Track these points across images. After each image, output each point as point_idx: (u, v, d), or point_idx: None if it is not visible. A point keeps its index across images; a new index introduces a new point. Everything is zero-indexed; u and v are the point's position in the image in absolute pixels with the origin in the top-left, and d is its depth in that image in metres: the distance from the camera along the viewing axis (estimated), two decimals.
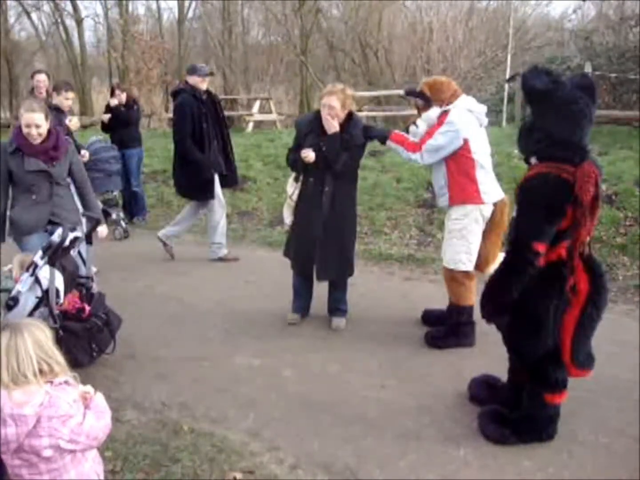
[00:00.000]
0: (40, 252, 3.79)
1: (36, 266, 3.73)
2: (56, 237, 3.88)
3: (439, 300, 4.67)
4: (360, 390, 3.80)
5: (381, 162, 9.12)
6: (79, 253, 4.26)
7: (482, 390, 3.57)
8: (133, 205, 8.02)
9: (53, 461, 2.04)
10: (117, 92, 7.85)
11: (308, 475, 3.01)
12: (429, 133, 4.11)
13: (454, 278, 4.30)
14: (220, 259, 6.36)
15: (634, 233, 6.23)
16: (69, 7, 20.92)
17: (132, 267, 6.17)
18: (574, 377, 3.13)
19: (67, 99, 6.07)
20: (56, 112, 5.97)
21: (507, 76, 12.53)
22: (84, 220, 4.53)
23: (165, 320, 4.92)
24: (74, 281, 4.11)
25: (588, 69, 11.05)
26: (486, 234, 4.25)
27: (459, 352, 4.25)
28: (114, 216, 7.15)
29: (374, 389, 3.81)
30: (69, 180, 4.45)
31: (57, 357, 2.09)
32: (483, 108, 4.25)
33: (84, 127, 11.72)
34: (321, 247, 4.46)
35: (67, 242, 3.91)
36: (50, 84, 6.75)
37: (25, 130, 4.11)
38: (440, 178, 4.23)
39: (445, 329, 4.38)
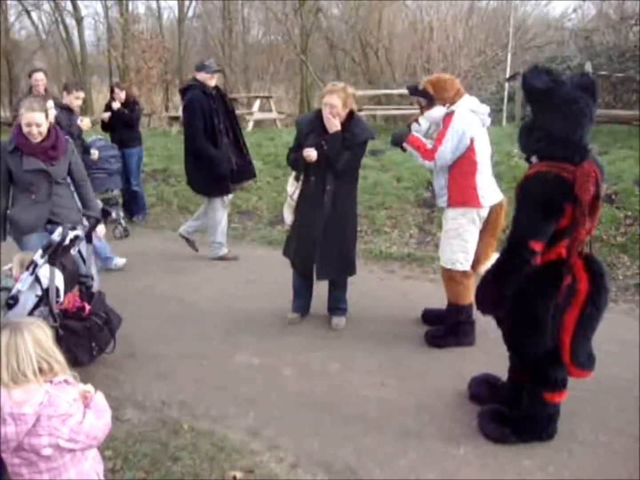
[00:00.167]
0: (40, 251, 3.79)
1: (36, 265, 3.73)
2: (56, 236, 3.88)
3: (439, 299, 4.66)
4: (360, 389, 3.80)
5: (381, 161, 9.12)
6: (79, 252, 4.26)
7: (482, 390, 3.57)
8: (133, 205, 8.01)
9: (53, 460, 2.04)
10: (116, 90, 7.84)
11: (308, 474, 3.01)
12: (438, 139, 4.08)
13: (451, 277, 4.31)
14: (221, 258, 6.35)
15: (634, 232, 6.23)
16: (69, 6, 20.93)
17: (132, 266, 6.16)
18: (575, 378, 3.13)
19: (77, 98, 6.06)
20: (67, 112, 5.97)
21: (507, 75, 12.53)
22: (84, 219, 4.53)
23: (166, 319, 4.93)
24: (74, 280, 4.11)
25: (588, 68, 11.04)
26: (481, 234, 4.26)
27: (459, 351, 4.25)
28: (113, 215, 7.14)
29: (374, 387, 3.82)
30: (68, 179, 4.45)
31: (57, 356, 2.09)
32: (486, 109, 4.23)
33: None
34: (322, 247, 4.46)
35: (67, 241, 3.91)
36: (48, 83, 6.74)
37: (26, 129, 4.12)
38: (441, 179, 4.23)
39: (445, 328, 4.38)
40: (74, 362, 3.48)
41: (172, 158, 10.37)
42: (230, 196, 6.45)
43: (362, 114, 11.22)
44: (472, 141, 4.05)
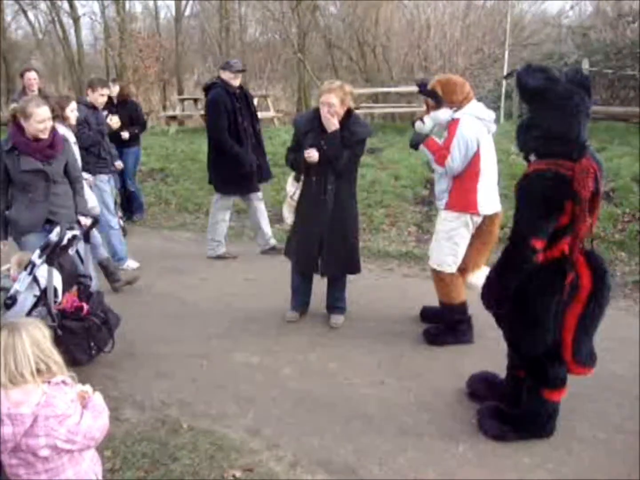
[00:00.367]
0: (38, 251, 3.79)
1: (34, 265, 3.73)
2: (54, 236, 3.88)
3: (437, 297, 4.66)
4: (359, 388, 3.80)
5: (379, 159, 9.12)
6: (77, 252, 4.25)
7: (481, 387, 3.57)
8: (131, 204, 7.99)
9: (50, 461, 2.04)
10: (109, 84, 7.78)
11: (307, 472, 3.01)
12: (445, 147, 4.05)
13: (440, 279, 4.31)
14: (219, 257, 6.35)
15: (632, 229, 6.24)
16: (65, 5, 20.82)
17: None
18: (576, 375, 3.13)
19: (102, 95, 6.04)
20: (93, 110, 5.95)
21: (505, 73, 12.51)
22: (82, 219, 4.53)
23: (164, 318, 4.92)
24: (72, 280, 4.11)
25: (585, 65, 11.05)
26: (473, 241, 4.23)
27: (457, 349, 4.25)
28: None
29: (373, 386, 3.82)
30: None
31: (55, 356, 2.09)
32: (492, 115, 4.20)
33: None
34: (327, 245, 4.46)
35: (65, 241, 3.91)
36: (42, 81, 6.72)
37: (40, 126, 4.11)
38: (443, 183, 4.19)
39: (443, 326, 4.38)
40: (73, 362, 3.48)
41: (169, 157, 10.37)
42: (260, 194, 6.42)
43: (359, 112, 11.21)
44: (478, 147, 4.04)
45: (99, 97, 6.01)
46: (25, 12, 22.85)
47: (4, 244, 4.40)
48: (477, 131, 4.05)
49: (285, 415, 3.51)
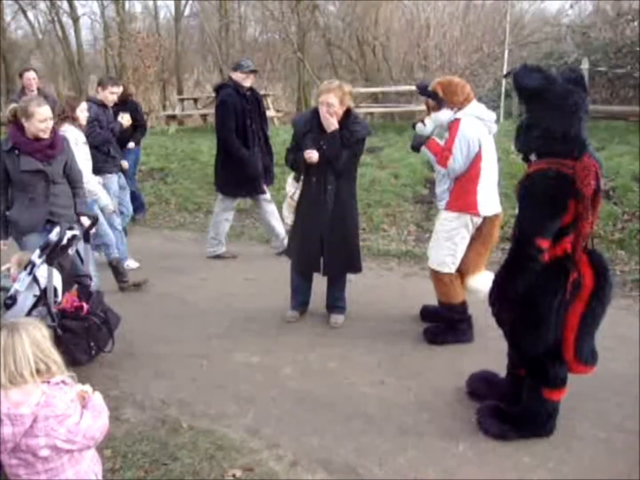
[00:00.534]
0: (38, 251, 3.79)
1: (34, 265, 3.73)
2: (54, 235, 3.88)
3: (436, 297, 4.66)
4: (360, 387, 3.80)
5: (379, 158, 9.11)
6: (77, 251, 4.25)
7: (481, 386, 3.57)
8: (132, 204, 7.97)
9: (50, 461, 2.04)
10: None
11: (308, 472, 3.01)
12: (447, 148, 4.06)
13: (439, 279, 4.31)
14: (218, 257, 6.34)
15: (632, 228, 6.24)
16: (65, 5, 20.81)
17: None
18: (577, 374, 3.13)
19: (112, 93, 6.02)
20: (103, 108, 5.93)
21: (505, 72, 12.50)
22: (83, 218, 4.53)
23: (164, 317, 4.92)
24: (72, 280, 4.11)
25: (585, 64, 11.03)
26: (472, 242, 4.23)
27: (457, 348, 4.25)
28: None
29: (373, 385, 3.82)
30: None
31: (55, 356, 2.09)
32: (492, 115, 4.20)
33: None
34: (328, 245, 4.46)
35: (64, 241, 3.91)
36: (42, 81, 6.70)
37: (41, 125, 4.11)
38: (444, 183, 4.18)
39: (443, 325, 4.38)
40: (73, 361, 3.49)
41: (169, 157, 10.36)
42: (268, 195, 6.35)
43: (359, 111, 11.20)
44: (479, 147, 4.04)
45: (109, 94, 5.99)
46: (24, 12, 22.82)
47: (4, 244, 4.40)
48: (479, 131, 4.05)
49: (285, 414, 3.51)
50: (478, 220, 4.17)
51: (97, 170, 5.49)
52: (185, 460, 3.10)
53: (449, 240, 4.18)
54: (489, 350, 4.01)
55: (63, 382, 2.10)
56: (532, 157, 3.00)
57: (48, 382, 2.05)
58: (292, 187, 4.73)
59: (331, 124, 4.32)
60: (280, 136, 10.78)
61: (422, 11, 16.56)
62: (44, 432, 1.97)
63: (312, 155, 4.30)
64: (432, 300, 4.69)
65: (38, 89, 6.91)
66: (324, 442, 3.24)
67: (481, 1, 16.53)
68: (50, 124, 4.17)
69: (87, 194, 5.00)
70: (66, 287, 3.98)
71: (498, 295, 3.09)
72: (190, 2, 21.32)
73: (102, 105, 5.93)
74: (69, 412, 2.03)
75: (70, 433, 2.01)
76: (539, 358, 3.07)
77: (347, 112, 4.39)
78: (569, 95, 2.87)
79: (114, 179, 5.98)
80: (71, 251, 4.12)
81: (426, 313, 4.72)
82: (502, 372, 3.49)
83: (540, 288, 2.96)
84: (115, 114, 7.61)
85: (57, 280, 3.83)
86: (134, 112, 7.63)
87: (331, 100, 4.28)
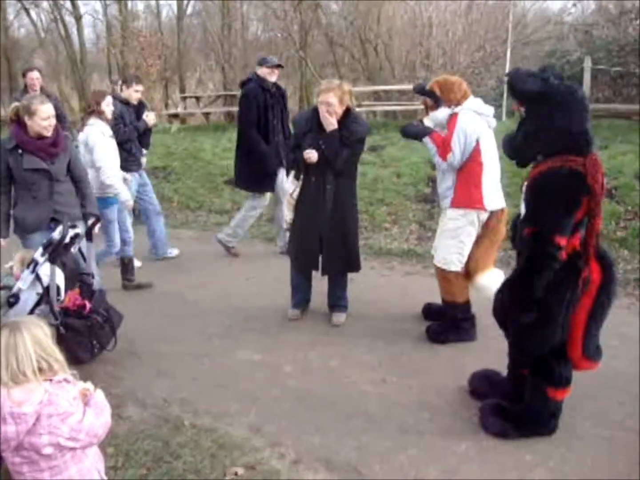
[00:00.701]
0: (40, 249, 3.80)
1: (37, 263, 3.74)
2: (56, 234, 3.89)
3: (439, 295, 4.66)
4: (361, 385, 3.80)
5: (381, 157, 9.11)
6: (80, 250, 4.26)
7: (483, 385, 3.57)
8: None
9: (53, 458, 2.05)
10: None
11: (309, 470, 3.02)
12: (447, 143, 4.05)
13: (445, 277, 4.30)
14: (225, 248, 6.33)
15: (634, 227, 6.23)
16: (67, 4, 20.83)
17: None
18: (582, 370, 3.12)
19: (136, 91, 6.01)
20: (127, 106, 5.93)
21: (507, 70, 12.48)
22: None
23: (166, 316, 4.93)
24: (74, 278, 4.12)
25: (588, 62, 11.02)
26: (479, 239, 4.22)
27: (459, 347, 4.26)
28: None
29: (374, 384, 3.82)
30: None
31: (57, 354, 2.10)
32: (491, 110, 4.20)
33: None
34: (327, 244, 4.46)
35: (67, 239, 3.91)
36: (45, 80, 6.69)
37: (44, 123, 4.11)
38: (447, 180, 4.18)
39: (446, 323, 4.38)
40: (75, 360, 3.50)
41: (172, 155, 10.36)
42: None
43: (361, 110, 11.19)
44: (477, 142, 4.04)
45: (133, 92, 5.99)
46: (27, 11, 22.86)
47: (4, 242, 4.40)
48: (477, 125, 4.04)
49: (287, 413, 3.52)
50: (484, 217, 4.16)
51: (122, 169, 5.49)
52: (187, 458, 3.11)
53: (455, 238, 4.18)
54: (490, 349, 4.01)
55: (65, 380, 2.11)
56: (539, 157, 3.00)
57: (50, 381, 2.06)
58: (292, 185, 4.73)
59: (330, 123, 4.32)
60: None
61: (425, 10, 16.52)
62: (47, 430, 1.98)
63: (312, 155, 4.31)
64: (434, 299, 4.69)
65: (41, 87, 6.90)
66: (325, 440, 3.25)
67: (483, 0, 16.50)
68: (53, 121, 4.17)
69: (108, 188, 5.03)
70: (69, 285, 3.99)
71: (513, 298, 3.04)
72: (192, 0, 21.36)
73: (127, 103, 5.93)
74: (71, 410, 2.04)
75: (73, 431, 2.02)
76: (544, 357, 3.06)
77: (347, 112, 4.39)
78: (574, 91, 2.89)
79: (137, 177, 5.97)
80: (74, 249, 4.12)
81: (428, 311, 4.72)
82: (504, 370, 3.49)
83: (550, 286, 2.93)
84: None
85: (60, 278, 3.83)
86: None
87: (331, 99, 4.28)
